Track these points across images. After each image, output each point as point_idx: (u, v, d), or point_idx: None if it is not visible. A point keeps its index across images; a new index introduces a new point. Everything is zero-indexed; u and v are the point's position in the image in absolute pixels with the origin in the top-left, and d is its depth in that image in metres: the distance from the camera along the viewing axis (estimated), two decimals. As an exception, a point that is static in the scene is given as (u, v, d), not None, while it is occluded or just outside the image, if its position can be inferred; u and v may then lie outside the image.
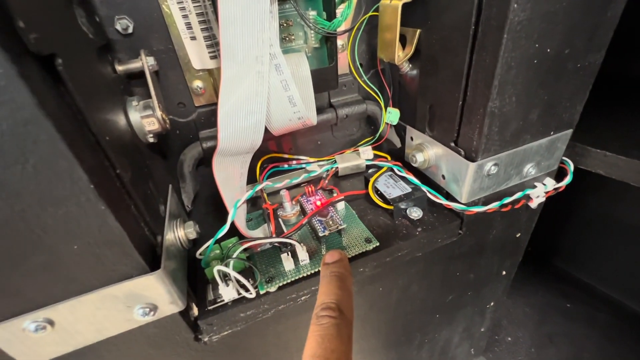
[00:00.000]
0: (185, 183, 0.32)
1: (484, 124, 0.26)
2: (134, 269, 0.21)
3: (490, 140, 0.27)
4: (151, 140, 0.26)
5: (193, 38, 0.27)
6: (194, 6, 0.26)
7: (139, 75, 0.26)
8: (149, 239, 0.23)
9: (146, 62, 0.26)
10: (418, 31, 0.29)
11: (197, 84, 0.30)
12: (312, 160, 0.39)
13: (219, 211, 0.31)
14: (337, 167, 0.38)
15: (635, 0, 0.29)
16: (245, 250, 0.28)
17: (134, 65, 0.26)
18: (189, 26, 0.27)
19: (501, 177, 0.31)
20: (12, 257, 0.17)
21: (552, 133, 0.30)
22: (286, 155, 0.38)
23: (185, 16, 0.27)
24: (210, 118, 0.32)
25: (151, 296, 0.22)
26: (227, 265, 0.25)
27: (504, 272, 0.43)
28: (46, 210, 0.17)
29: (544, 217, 0.49)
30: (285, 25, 0.27)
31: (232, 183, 0.28)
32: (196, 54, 0.28)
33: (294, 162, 0.38)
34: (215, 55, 0.28)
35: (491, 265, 0.41)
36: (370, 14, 0.31)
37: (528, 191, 0.33)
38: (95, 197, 0.17)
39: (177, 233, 0.27)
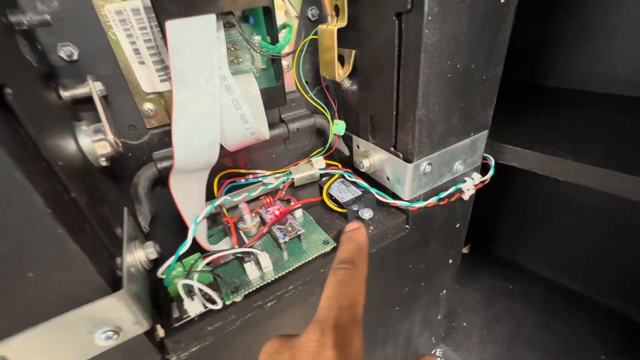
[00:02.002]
0: (141, 205, 0.32)
1: (415, 130, 0.30)
2: (95, 292, 0.21)
3: (422, 143, 0.31)
4: (104, 163, 0.26)
5: (142, 63, 0.28)
6: (141, 33, 0.27)
7: (87, 100, 0.27)
8: (108, 261, 0.23)
9: (94, 88, 0.26)
10: (354, 52, 0.33)
11: (148, 106, 0.31)
12: (268, 173, 0.40)
13: (179, 230, 0.31)
14: (292, 178, 0.41)
15: (528, 22, 0.36)
16: (208, 264, 0.29)
17: (81, 90, 0.26)
18: (137, 52, 0.28)
19: (435, 175, 0.35)
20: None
21: (472, 134, 0.35)
22: (242, 170, 0.39)
23: (132, 42, 0.27)
24: (163, 139, 0.33)
25: (114, 318, 0.21)
26: (191, 279, 0.25)
27: (450, 261, 0.48)
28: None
29: (482, 210, 0.56)
30: (232, 49, 0.29)
31: (190, 200, 0.29)
32: (146, 78, 0.29)
33: (251, 176, 0.39)
34: (166, 79, 0.29)
35: (438, 255, 0.45)
36: (310, 37, 0.34)
37: (460, 185, 0.38)
38: (53, 221, 0.18)
39: (137, 254, 0.27)
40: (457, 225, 0.44)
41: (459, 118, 0.33)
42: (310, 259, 0.31)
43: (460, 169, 0.37)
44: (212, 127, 0.26)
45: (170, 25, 0.23)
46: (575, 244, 0.68)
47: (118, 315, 0.22)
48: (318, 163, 0.42)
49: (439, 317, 0.57)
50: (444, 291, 0.52)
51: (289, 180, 0.40)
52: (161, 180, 0.33)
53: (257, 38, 0.29)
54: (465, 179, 0.39)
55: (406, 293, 0.45)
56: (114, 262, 0.23)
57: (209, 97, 0.25)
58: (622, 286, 0.64)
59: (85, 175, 0.24)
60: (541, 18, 0.57)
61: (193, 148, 0.26)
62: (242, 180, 0.39)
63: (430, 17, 0.25)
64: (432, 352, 0.63)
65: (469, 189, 0.39)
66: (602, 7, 0.50)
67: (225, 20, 0.28)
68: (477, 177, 0.39)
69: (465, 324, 0.68)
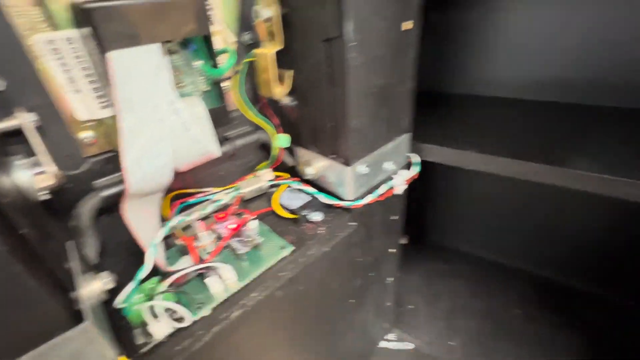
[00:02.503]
0: (86, 236, 0.31)
1: (349, 137, 0.35)
2: (55, 327, 0.20)
3: (356, 148, 0.36)
4: (44, 197, 0.25)
5: (77, 91, 0.28)
6: (77, 62, 0.27)
7: (18, 133, 0.25)
8: (67, 295, 0.22)
9: (24, 119, 0.25)
10: (291, 72, 0.37)
11: (86, 134, 0.30)
12: (217, 190, 0.41)
13: (134, 256, 0.31)
14: (242, 193, 0.42)
15: (431, 40, 0.44)
16: (171, 285, 0.29)
17: (9, 123, 0.25)
18: (71, 80, 0.27)
19: (371, 175, 0.40)
20: None
21: (395, 138, 0.41)
22: (192, 190, 0.39)
23: (66, 71, 0.27)
24: (105, 166, 0.32)
25: (80, 351, 0.21)
26: (157, 300, 0.26)
27: (392, 250, 0.54)
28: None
29: (416, 203, 0.64)
30: (175, 74, 0.31)
31: (146, 224, 0.29)
32: (83, 106, 0.29)
33: (201, 195, 0.40)
34: (107, 105, 0.29)
35: (381, 246, 0.51)
36: (247, 60, 0.37)
37: (392, 182, 0.44)
38: (9, 259, 0.17)
39: (93, 286, 0.26)
40: (395, 218, 0.50)
41: (385, 125, 0.38)
42: (271, 265, 0.33)
43: (391, 168, 0.43)
44: (163, 150, 0.27)
45: (114, 55, 0.23)
46: (493, 223, 0.81)
47: (80, 348, 0.21)
48: (265, 175, 0.44)
49: (388, 304, 0.62)
50: (391, 279, 0.58)
51: (239, 194, 0.42)
52: (105, 210, 0.32)
53: (199, 63, 0.31)
54: (396, 176, 0.45)
55: (359, 285, 0.49)
56: (71, 295, 0.23)
57: (157, 122, 0.26)
58: (533, 253, 0.79)
59: (29, 211, 0.23)
60: (443, 36, 0.68)
61: (145, 173, 0.26)
62: (192, 200, 0.39)
63: (352, 44, 0.30)
64: (386, 336, 0.69)
65: (400, 184, 0.45)
66: (488, 27, 0.63)
67: (167, 47, 0.29)
68: (405, 174, 0.46)
69: (411, 306, 0.75)
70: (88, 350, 0.21)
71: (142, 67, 0.25)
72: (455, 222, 0.88)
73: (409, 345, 0.67)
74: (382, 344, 0.68)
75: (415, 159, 0.48)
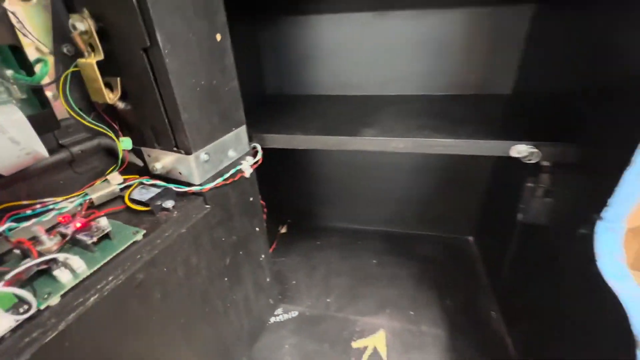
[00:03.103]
0: None
1: (186, 130, 0.41)
2: None
3: (194, 139, 0.43)
4: None
5: None
6: None
7: None
8: None
9: None
10: (119, 79, 0.41)
11: None
12: (60, 199, 0.41)
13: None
14: (91, 198, 0.43)
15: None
16: (8, 285, 0.29)
17: None
18: None
19: (216, 162, 0.48)
20: None
21: (233, 129, 0.50)
22: (26, 202, 0.39)
23: None
24: None
25: None
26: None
27: (257, 229, 0.63)
28: None
29: (290, 194, 0.74)
30: (-18, 83, 0.31)
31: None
32: None
33: (39, 205, 0.39)
34: None
35: (245, 226, 0.58)
36: (71, 69, 0.39)
37: (239, 167, 0.52)
38: None
39: None
40: (251, 199, 0.59)
41: (219, 118, 0.46)
42: (123, 247, 0.36)
43: (234, 155, 0.51)
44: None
45: None
46: (347, 198, 0.99)
47: None
48: (114, 179, 0.46)
49: (267, 280, 0.70)
50: (263, 256, 0.66)
51: (87, 201, 0.43)
52: None
53: (9, 72, 0.32)
54: (242, 162, 0.53)
55: (229, 264, 0.55)
56: None
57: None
58: (379, 214, 0.99)
59: None
60: (280, 50, 0.81)
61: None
62: (29, 212, 0.38)
63: (166, 51, 0.37)
64: (275, 312, 0.76)
65: (247, 169, 0.54)
66: (311, 42, 0.78)
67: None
68: (251, 160, 0.55)
69: (294, 282, 0.86)
70: None
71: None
72: (320, 204, 1.03)
73: (294, 313, 0.77)
74: (272, 320, 0.75)
75: (258, 147, 0.57)
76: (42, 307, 0.29)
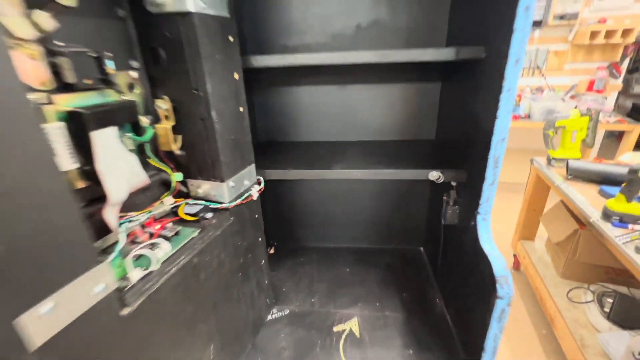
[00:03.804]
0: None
1: (222, 167, 0.65)
2: (92, 266, 0.41)
3: (226, 172, 0.67)
4: (50, 213, 0.44)
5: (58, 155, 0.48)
6: (61, 138, 0.48)
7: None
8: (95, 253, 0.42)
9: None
10: (181, 136, 0.65)
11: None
12: (135, 213, 0.62)
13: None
14: (153, 214, 0.65)
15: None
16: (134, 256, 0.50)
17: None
18: (56, 148, 0.48)
19: (237, 188, 0.71)
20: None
21: (247, 166, 0.75)
22: (122, 213, 0.60)
23: (56, 142, 0.47)
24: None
25: (104, 279, 0.42)
26: (136, 259, 0.47)
27: (260, 239, 0.85)
28: None
29: (279, 222, 0.98)
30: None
31: (114, 220, 0.50)
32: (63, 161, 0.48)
33: (128, 215, 0.60)
34: (76, 162, 0.50)
35: (253, 235, 0.80)
36: (153, 131, 0.63)
37: (250, 192, 0.76)
38: (82, 222, 0.39)
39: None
40: (257, 216, 0.82)
41: (240, 159, 0.71)
42: (187, 240, 0.58)
43: (248, 184, 0.75)
44: (123, 179, 0.50)
45: (96, 133, 0.47)
46: (322, 222, 1.23)
47: (105, 278, 0.42)
48: (168, 201, 0.68)
49: (266, 282, 0.91)
50: (263, 261, 0.87)
51: (152, 215, 0.64)
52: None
53: (129, 134, 0.56)
54: (252, 188, 0.77)
55: (242, 263, 0.76)
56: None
57: (118, 164, 0.50)
58: (348, 233, 1.24)
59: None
60: (276, 111, 1.09)
61: (118, 191, 0.49)
62: (124, 220, 0.59)
63: (216, 120, 0.62)
64: (271, 312, 0.95)
65: (255, 193, 0.77)
66: (295, 102, 1.07)
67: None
68: (257, 187, 0.79)
69: (284, 289, 1.05)
70: (108, 279, 0.42)
71: (108, 137, 0.49)
72: (300, 228, 1.26)
73: (286, 312, 0.96)
74: (269, 317, 0.94)
75: (261, 178, 0.82)
76: (155, 268, 0.50)
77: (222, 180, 0.67)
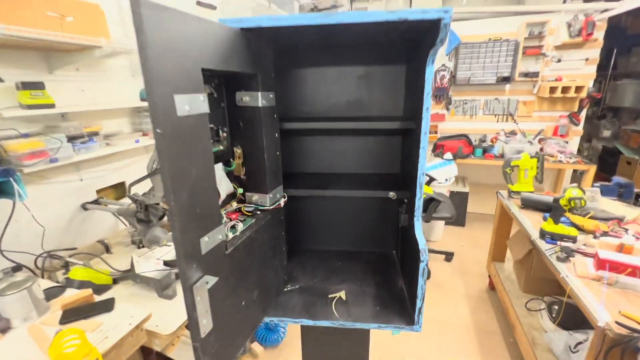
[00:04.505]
0: (194, 219, 0.98)
1: (267, 185, 1.16)
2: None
3: (269, 188, 1.17)
4: (195, 203, 0.94)
5: (194, 176, 0.99)
6: (197, 168, 0.99)
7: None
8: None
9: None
10: (245, 167, 1.16)
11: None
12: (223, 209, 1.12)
13: (210, 223, 1.00)
14: (228, 211, 1.14)
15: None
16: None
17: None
18: (193, 173, 0.99)
19: (273, 198, 1.21)
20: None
21: (278, 186, 1.25)
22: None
23: (193, 170, 0.99)
24: (195, 198, 1.01)
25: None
26: (229, 228, 0.97)
27: (282, 233, 1.33)
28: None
29: (294, 229, 1.45)
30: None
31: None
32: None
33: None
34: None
35: (278, 229, 1.29)
36: (231, 168, 1.15)
37: (279, 202, 1.26)
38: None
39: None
40: (282, 217, 1.31)
41: (275, 181, 1.22)
42: (249, 224, 1.07)
43: (278, 197, 1.25)
44: (224, 188, 1.00)
45: (216, 166, 0.98)
46: (325, 229, 1.72)
47: (222, 232, 0.91)
48: (234, 205, 1.18)
49: (284, 263, 1.37)
50: (283, 248, 1.35)
51: (227, 211, 1.14)
52: (194, 213, 1.00)
53: (221, 165, 1.07)
54: (281, 200, 1.27)
55: (273, 245, 1.24)
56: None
57: (224, 180, 1.00)
58: (343, 239, 1.71)
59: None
60: (293, 146, 1.61)
61: (222, 193, 0.99)
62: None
63: (266, 156, 1.13)
64: (286, 286, 1.40)
65: (282, 202, 1.28)
66: (309, 145, 1.61)
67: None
68: (283, 199, 1.29)
69: (294, 274, 1.51)
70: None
71: (219, 168, 1.00)
72: (303, 235, 1.74)
73: (297, 286, 1.41)
74: (285, 289, 1.39)
75: (285, 194, 1.32)
76: (237, 234, 0.98)
77: (266, 193, 1.17)
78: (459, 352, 2.57)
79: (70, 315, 1.48)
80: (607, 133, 6.03)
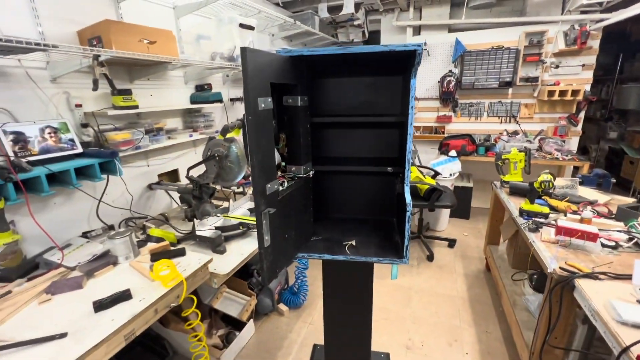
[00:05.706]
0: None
1: (302, 158, 1.68)
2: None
3: (303, 160, 1.70)
4: (259, 166, 1.48)
5: (257, 150, 1.53)
6: (259, 145, 1.53)
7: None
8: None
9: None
10: (287, 146, 1.69)
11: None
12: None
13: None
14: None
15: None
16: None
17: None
18: (256, 148, 1.53)
19: (306, 169, 1.74)
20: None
21: (309, 161, 1.77)
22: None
23: (256, 146, 1.53)
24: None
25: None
26: (279, 183, 1.50)
27: (310, 196, 1.85)
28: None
29: (320, 199, 1.95)
30: (270, 147, 1.59)
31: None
32: (257, 153, 1.54)
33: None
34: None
35: (308, 192, 1.81)
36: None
37: (309, 173, 1.78)
38: (274, 166, 1.42)
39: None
40: (310, 185, 1.83)
41: (307, 157, 1.75)
42: (290, 184, 1.60)
43: (308, 169, 1.78)
44: (276, 157, 1.54)
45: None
46: (344, 200, 2.23)
47: (277, 183, 1.43)
48: (281, 170, 1.71)
49: (311, 219, 1.89)
50: (311, 208, 1.87)
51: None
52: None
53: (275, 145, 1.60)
54: (310, 171, 1.80)
55: (304, 203, 1.76)
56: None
57: (276, 155, 1.54)
58: (357, 209, 2.22)
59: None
60: (320, 137, 2.14)
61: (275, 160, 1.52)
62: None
63: (302, 142, 1.66)
64: (312, 237, 1.92)
65: (310, 174, 1.80)
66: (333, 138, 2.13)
67: (271, 142, 1.58)
68: (311, 172, 1.81)
69: (318, 231, 2.02)
70: (276, 184, 1.44)
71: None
72: (326, 206, 2.25)
73: (320, 238, 1.93)
74: (312, 239, 1.91)
75: (313, 170, 1.85)
76: (284, 188, 1.51)
77: (301, 165, 1.69)
78: (454, 316, 3.01)
79: (157, 256, 2.06)
80: (613, 135, 6.26)
